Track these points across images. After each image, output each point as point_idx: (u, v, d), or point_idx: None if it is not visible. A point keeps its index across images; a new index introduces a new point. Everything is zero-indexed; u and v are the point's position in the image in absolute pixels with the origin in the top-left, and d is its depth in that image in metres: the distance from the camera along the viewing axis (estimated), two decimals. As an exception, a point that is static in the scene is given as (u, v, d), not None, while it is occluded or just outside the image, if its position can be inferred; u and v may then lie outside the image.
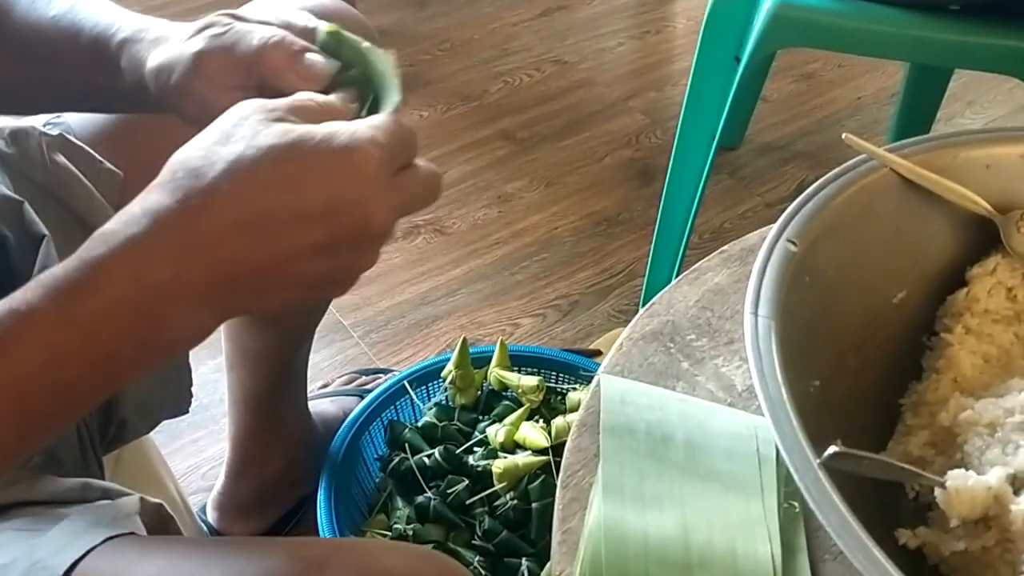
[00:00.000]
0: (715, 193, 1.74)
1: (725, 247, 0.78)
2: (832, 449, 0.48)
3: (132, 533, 0.60)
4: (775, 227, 0.61)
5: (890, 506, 0.59)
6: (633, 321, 0.71)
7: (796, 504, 0.58)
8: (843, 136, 0.67)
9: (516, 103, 1.97)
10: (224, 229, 0.45)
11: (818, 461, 0.48)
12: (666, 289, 0.74)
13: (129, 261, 0.44)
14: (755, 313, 0.55)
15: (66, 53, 0.66)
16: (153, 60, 0.60)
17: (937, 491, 0.54)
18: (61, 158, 0.78)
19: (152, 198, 0.46)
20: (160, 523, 0.65)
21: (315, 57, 0.57)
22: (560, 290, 1.57)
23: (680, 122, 1.35)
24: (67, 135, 0.80)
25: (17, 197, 0.74)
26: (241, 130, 0.47)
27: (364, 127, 0.48)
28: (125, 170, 0.80)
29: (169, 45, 0.60)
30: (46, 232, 0.73)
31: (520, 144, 1.87)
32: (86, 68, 0.65)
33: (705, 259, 0.77)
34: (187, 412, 0.88)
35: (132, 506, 0.63)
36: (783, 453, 0.48)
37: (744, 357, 0.70)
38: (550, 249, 1.65)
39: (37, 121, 0.81)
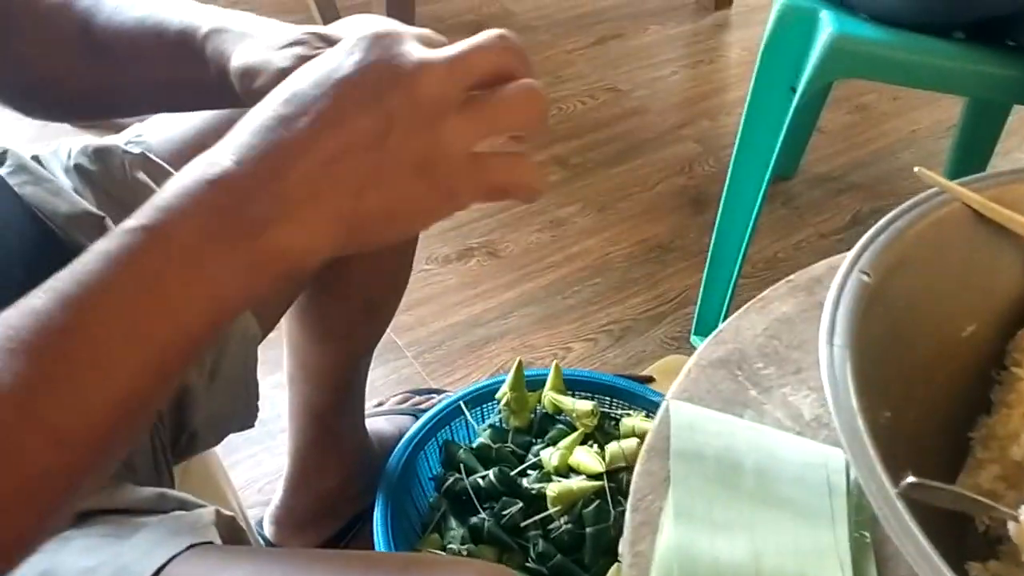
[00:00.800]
0: (769, 223, 1.74)
1: (792, 276, 0.79)
2: (909, 479, 0.49)
3: (210, 542, 0.61)
4: (848, 257, 0.62)
5: (959, 539, 0.59)
6: (701, 347, 0.72)
7: (867, 534, 0.58)
8: (915, 169, 0.68)
9: (570, 129, 1.99)
10: (272, 121, 0.44)
11: (895, 491, 0.48)
12: (734, 316, 0.75)
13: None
14: (830, 343, 0.56)
15: (152, 51, 0.67)
16: (238, 59, 0.61)
17: (1010, 524, 0.54)
18: (142, 176, 0.81)
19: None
20: (232, 535, 0.67)
21: None
22: (612, 315, 1.58)
23: (735, 151, 1.36)
24: (148, 153, 0.82)
25: (100, 213, 0.76)
26: None
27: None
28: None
29: (255, 46, 0.61)
30: (127, 248, 0.75)
31: (573, 170, 1.88)
32: (172, 64, 0.67)
33: (772, 288, 0.77)
34: (253, 426, 0.90)
35: (209, 516, 0.65)
36: (861, 483, 0.49)
37: (812, 387, 0.71)
38: (603, 274, 1.66)
39: (120, 139, 0.84)
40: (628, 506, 0.62)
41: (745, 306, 0.77)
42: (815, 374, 0.73)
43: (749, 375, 0.71)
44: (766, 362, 0.72)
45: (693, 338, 1.53)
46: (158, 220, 0.42)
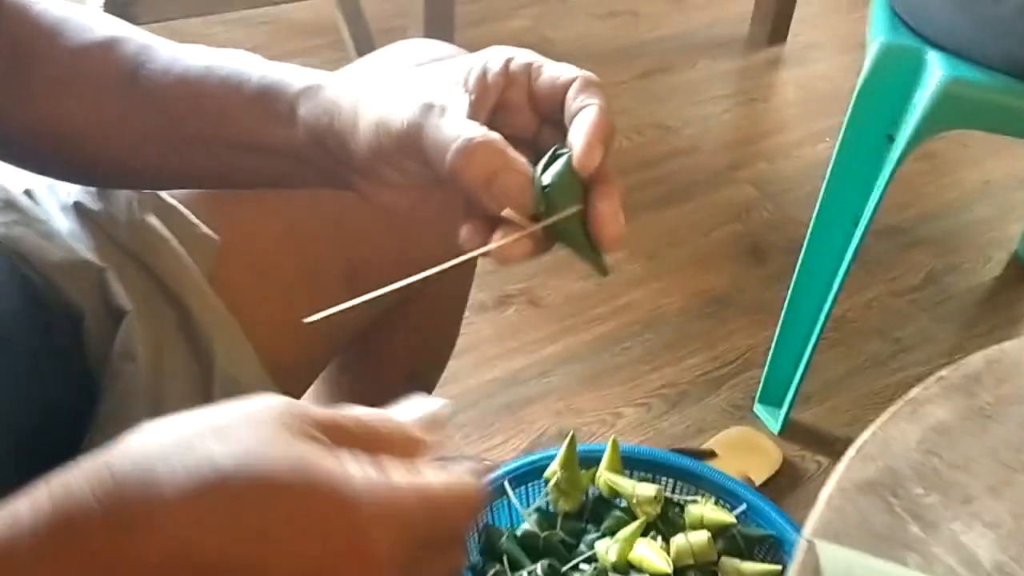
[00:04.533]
0: (836, 278, 1.60)
1: (943, 372, 0.64)
2: None
3: None
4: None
5: None
6: (843, 465, 0.57)
7: None
8: None
9: (615, 168, 1.82)
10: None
11: None
12: (877, 426, 0.60)
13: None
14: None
15: (222, 105, 0.56)
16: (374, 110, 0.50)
17: None
18: (153, 219, 0.67)
19: (76, 484, 0.32)
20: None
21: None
22: (667, 377, 1.43)
23: (819, 203, 1.22)
24: (160, 193, 0.68)
25: (99, 263, 0.64)
26: (245, 431, 0.33)
27: (409, 487, 0.34)
28: (223, 235, 0.69)
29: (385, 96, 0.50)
30: (129, 307, 0.62)
31: (620, 212, 1.74)
32: (248, 121, 0.56)
33: (921, 387, 0.63)
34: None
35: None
36: None
37: (987, 522, 0.56)
38: (654, 329, 1.51)
39: (128, 175, 0.70)
40: None
41: (890, 410, 0.62)
42: (989, 504, 0.58)
43: (907, 504, 0.56)
44: (927, 487, 0.57)
45: (758, 407, 1.37)
46: None
